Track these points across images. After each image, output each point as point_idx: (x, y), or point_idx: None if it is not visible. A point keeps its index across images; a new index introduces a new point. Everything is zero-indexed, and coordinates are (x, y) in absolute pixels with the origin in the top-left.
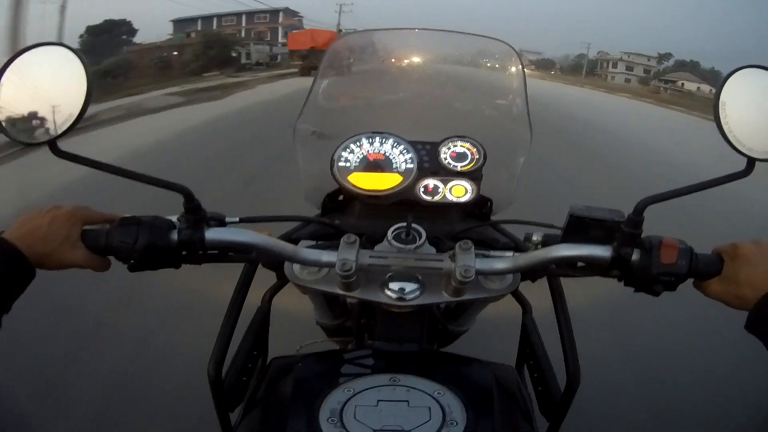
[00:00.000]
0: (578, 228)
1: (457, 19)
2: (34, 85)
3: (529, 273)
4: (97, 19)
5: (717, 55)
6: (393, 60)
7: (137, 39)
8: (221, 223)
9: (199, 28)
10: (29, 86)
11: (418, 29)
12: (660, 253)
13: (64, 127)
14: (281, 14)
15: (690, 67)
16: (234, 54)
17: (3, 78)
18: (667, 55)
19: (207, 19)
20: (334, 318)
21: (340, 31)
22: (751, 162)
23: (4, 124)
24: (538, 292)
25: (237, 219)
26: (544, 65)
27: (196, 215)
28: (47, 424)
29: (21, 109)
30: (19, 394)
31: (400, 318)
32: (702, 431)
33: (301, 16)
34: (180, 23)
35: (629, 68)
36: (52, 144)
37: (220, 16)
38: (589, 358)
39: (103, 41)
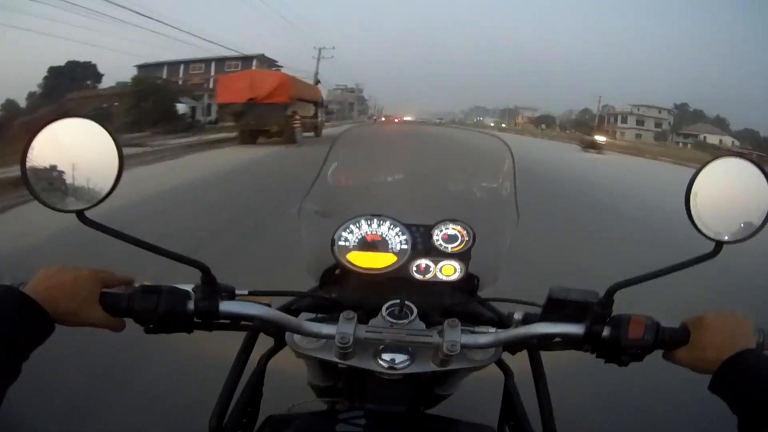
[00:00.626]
0: (556, 307)
1: (450, 71)
2: (64, 154)
3: (510, 346)
4: (61, 60)
5: (717, 103)
6: (394, 147)
7: (104, 84)
8: (231, 294)
9: (164, 75)
10: (59, 155)
11: (420, 121)
12: (628, 329)
13: (94, 200)
14: (255, 62)
15: (696, 117)
16: (182, 108)
17: (33, 143)
18: (683, 105)
19: (173, 65)
20: (325, 380)
21: (318, 81)
22: (719, 245)
23: (35, 188)
24: (518, 357)
25: (246, 292)
26: (544, 122)
27: (212, 288)
28: None
29: (50, 176)
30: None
31: (390, 383)
32: None
33: (280, 65)
34: (144, 69)
35: (640, 122)
36: (80, 213)
37: (187, 63)
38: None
39: (61, 84)
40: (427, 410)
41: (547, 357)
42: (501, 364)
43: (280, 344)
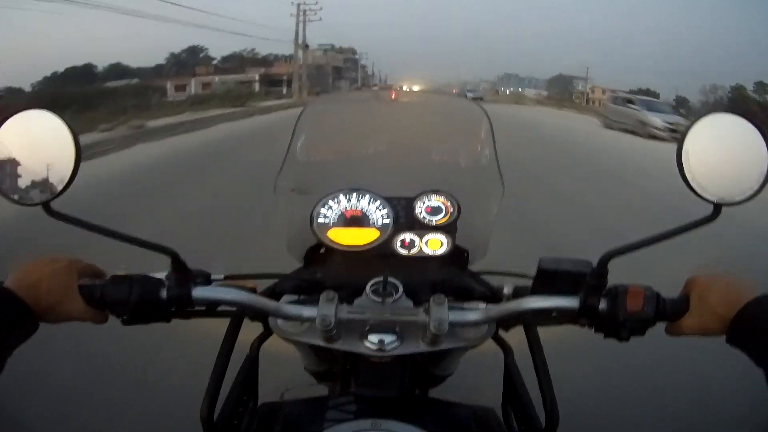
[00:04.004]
0: (547, 279)
1: (474, 27)
2: (24, 148)
3: (503, 322)
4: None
5: None
6: (368, 117)
7: None
8: (207, 280)
9: None
10: (19, 149)
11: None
12: (626, 301)
13: (57, 190)
14: None
15: None
16: None
17: None
18: None
19: None
20: (320, 364)
21: (307, 46)
22: (718, 208)
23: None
24: (518, 333)
25: (222, 276)
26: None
27: (183, 274)
28: None
29: (12, 170)
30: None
31: (381, 366)
32: None
33: None
34: None
35: None
36: (46, 205)
37: None
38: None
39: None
40: (427, 391)
41: (545, 332)
42: (499, 341)
43: (269, 329)
